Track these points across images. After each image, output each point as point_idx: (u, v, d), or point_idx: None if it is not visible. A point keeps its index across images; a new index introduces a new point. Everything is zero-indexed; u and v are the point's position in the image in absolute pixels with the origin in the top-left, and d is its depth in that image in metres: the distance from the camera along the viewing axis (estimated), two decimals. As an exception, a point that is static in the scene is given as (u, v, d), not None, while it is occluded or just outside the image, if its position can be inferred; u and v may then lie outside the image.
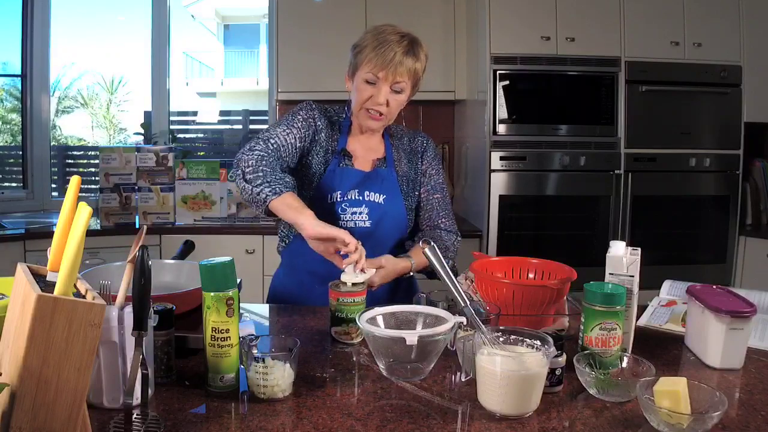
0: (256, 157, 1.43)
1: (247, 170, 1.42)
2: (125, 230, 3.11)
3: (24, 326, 0.73)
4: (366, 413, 0.97)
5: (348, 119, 1.63)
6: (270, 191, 1.38)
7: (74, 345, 0.73)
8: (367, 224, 1.57)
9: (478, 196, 3.23)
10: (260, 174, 1.40)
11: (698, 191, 3.20)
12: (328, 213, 1.54)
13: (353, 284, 1.30)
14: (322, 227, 1.33)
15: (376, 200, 1.58)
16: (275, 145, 1.49)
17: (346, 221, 1.55)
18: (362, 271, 1.32)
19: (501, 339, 1.06)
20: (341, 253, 1.35)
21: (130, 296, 0.92)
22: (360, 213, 1.56)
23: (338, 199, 1.56)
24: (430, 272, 1.62)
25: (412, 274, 1.55)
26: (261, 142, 1.48)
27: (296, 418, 0.95)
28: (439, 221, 1.67)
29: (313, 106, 1.62)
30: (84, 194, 3.53)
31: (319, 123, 1.59)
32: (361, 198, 1.57)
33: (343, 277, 1.31)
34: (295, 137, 1.54)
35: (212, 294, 1.02)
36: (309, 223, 1.33)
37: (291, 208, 1.37)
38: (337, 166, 1.58)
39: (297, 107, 1.61)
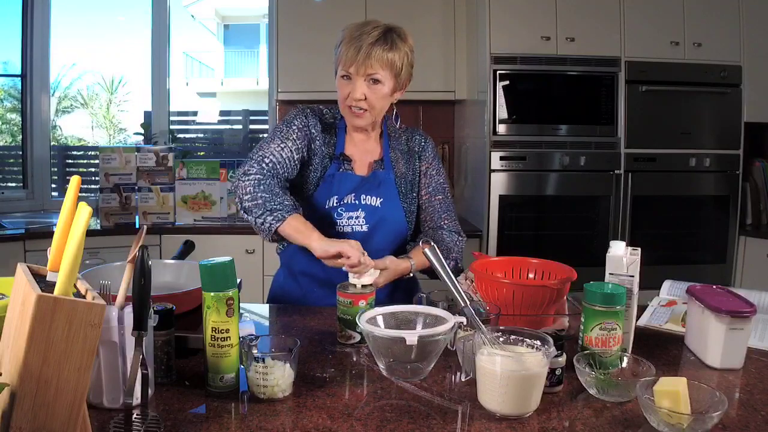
0: (252, 182, 1.43)
1: (245, 198, 1.42)
2: (125, 230, 3.10)
3: (24, 326, 0.73)
4: (366, 413, 0.97)
5: (343, 121, 1.62)
6: (273, 219, 1.40)
7: (74, 345, 0.73)
8: (364, 228, 1.56)
9: (478, 196, 3.23)
10: (259, 202, 1.41)
11: (698, 191, 3.20)
12: (325, 218, 1.54)
13: (363, 286, 1.29)
14: (328, 246, 1.34)
15: (373, 204, 1.57)
16: (270, 164, 1.48)
17: (343, 226, 1.55)
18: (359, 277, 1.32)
19: (501, 339, 1.06)
20: (344, 269, 1.34)
21: (130, 296, 0.92)
22: (356, 217, 1.55)
23: (335, 204, 1.55)
24: (431, 272, 1.62)
25: (412, 274, 1.55)
26: (255, 164, 1.47)
27: (296, 418, 0.95)
28: (442, 222, 1.65)
29: (307, 112, 1.59)
30: (84, 194, 3.53)
31: (314, 131, 1.57)
32: (357, 202, 1.56)
33: (351, 279, 1.31)
34: (291, 150, 1.52)
35: (212, 294, 1.02)
36: (317, 246, 1.36)
37: (297, 232, 1.40)
38: (336, 171, 1.57)
39: (290, 115, 1.58)
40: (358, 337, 1.27)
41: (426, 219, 1.67)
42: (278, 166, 1.49)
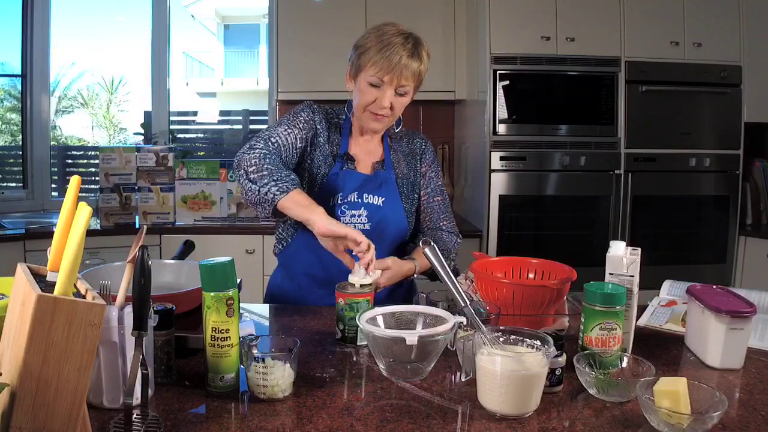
0: (257, 155, 1.41)
1: (250, 169, 1.39)
2: (125, 230, 3.10)
3: (24, 326, 0.73)
4: (366, 413, 0.97)
5: (348, 121, 1.62)
6: (277, 190, 1.36)
7: (74, 345, 0.73)
8: (366, 227, 1.56)
9: (478, 196, 3.23)
10: (265, 173, 1.38)
11: (698, 191, 3.20)
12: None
13: (361, 285, 1.29)
14: (334, 225, 1.33)
15: (375, 203, 1.57)
16: (276, 144, 1.48)
17: (346, 224, 1.55)
18: (368, 272, 1.32)
19: (501, 339, 1.06)
20: (353, 253, 1.34)
21: (130, 296, 0.92)
22: (359, 216, 1.56)
23: (338, 202, 1.55)
24: (432, 274, 1.62)
25: (415, 276, 1.55)
26: (261, 141, 1.46)
27: (296, 418, 0.95)
28: (441, 223, 1.67)
29: (315, 107, 1.60)
30: (84, 194, 3.53)
31: (319, 126, 1.58)
32: (359, 200, 1.56)
33: (351, 278, 1.30)
34: (296, 137, 1.52)
35: (212, 294, 1.02)
36: (321, 221, 1.33)
37: (300, 205, 1.36)
38: (340, 170, 1.57)
39: (298, 107, 1.59)
40: (338, 334, 1.28)
41: (425, 220, 1.68)
42: (282, 149, 1.49)
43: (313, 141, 1.58)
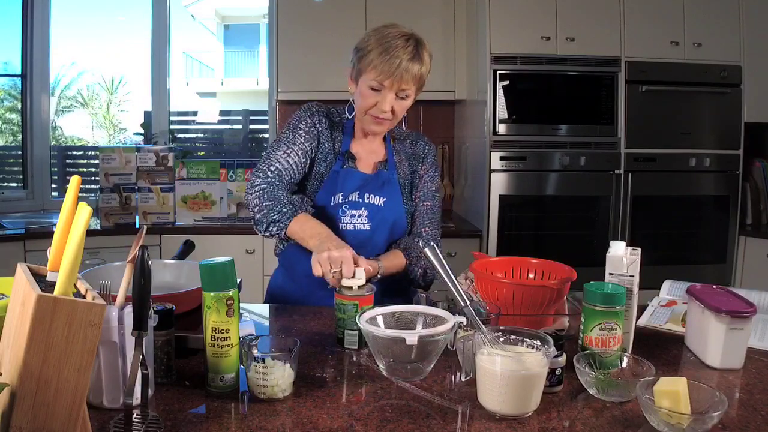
0: (257, 193, 1.49)
1: (255, 209, 1.50)
2: (125, 230, 3.10)
3: (24, 326, 0.73)
4: (366, 413, 0.97)
5: (351, 121, 1.62)
6: (276, 229, 1.47)
7: (74, 345, 0.73)
8: (367, 227, 1.56)
9: (478, 196, 3.23)
10: (265, 212, 1.48)
11: (698, 191, 3.20)
12: (329, 215, 1.54)
13: (359, 287, 1.28)
14: (316, 263, 1.34)
15: (376, 203, 1.57)
16: (276, 172, 1.51)
17: (346, 224, 1.55)
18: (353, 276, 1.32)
19: (501, 339, 1.06)
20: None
21: (130, 296, 0.92)
22: (359, 216, 1.56)
23: (339, 201, 1.55)
24: (399, 279, 1.59)
25: (380, 276, 1.49)
26: (261, 174, 1.52)
27: (296, 418, 0.95)
28: (422, 229, 1.65)
29: (314, 110, 1.60)
30: (84, 194, 3.53)
31: (320, 128, 1.59)
32: (360, 200, 1.56)
33: (345, 283, 1.30)
34: (297, 155, 1.54)
35: (212, 294, 1.02)
36: (313, 255, 1.38)
37: (298, 239, 1.46)
38: (341, 168, 1.58)
39: (296, 117, 1.59)
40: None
41: (411, 223, 1.67)
42: (284, 173, 1.53)
43: (318, 147, 1.59)
